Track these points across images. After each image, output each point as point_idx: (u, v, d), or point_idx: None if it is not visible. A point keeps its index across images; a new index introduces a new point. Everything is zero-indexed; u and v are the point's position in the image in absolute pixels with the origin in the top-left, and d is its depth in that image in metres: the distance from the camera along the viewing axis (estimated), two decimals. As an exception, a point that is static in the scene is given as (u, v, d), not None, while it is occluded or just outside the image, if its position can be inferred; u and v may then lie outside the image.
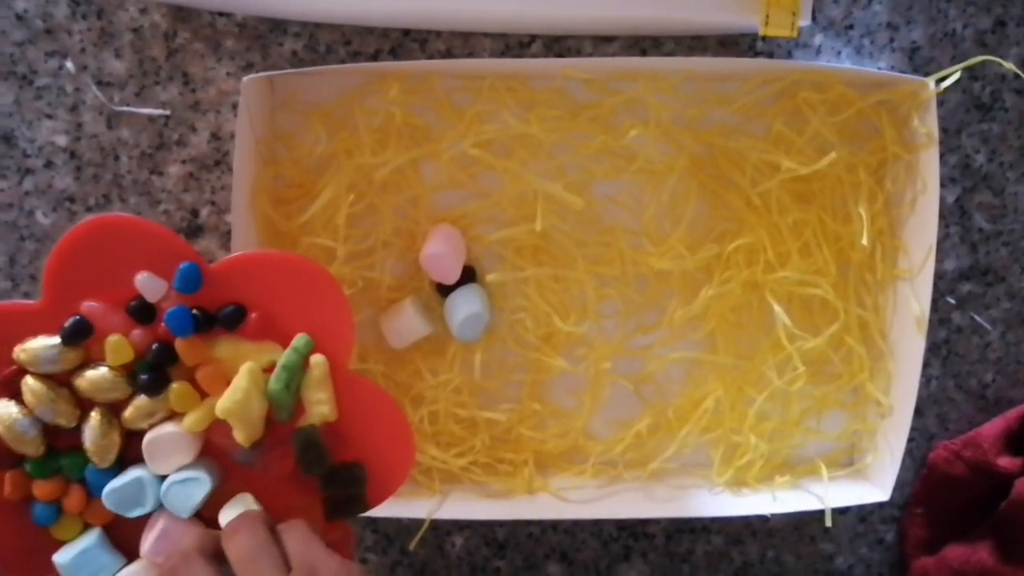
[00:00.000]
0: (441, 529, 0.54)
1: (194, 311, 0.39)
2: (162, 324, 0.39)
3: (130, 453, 0.40)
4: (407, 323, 0.49)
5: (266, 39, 0.49)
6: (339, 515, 0.42)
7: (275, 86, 0.49)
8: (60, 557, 0.40)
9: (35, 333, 0.39)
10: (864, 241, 0.49)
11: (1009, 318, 0.54)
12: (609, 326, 0.52)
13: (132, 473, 0.40)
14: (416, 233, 0.50)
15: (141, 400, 0.40)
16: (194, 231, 0.50)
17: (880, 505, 0.55)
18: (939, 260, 0.52)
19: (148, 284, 0.39)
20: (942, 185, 0.50)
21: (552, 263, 0.51)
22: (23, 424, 0.39)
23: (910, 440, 0.51)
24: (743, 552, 0.56)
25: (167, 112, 0.49)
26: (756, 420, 0.52)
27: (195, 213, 0.50)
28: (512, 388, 0.52)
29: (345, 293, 0.41)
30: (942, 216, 0.51)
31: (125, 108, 0.49)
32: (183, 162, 0.49)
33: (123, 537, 0.41)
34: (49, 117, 0.49)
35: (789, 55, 0.51)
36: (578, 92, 0.50)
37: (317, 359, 0.40)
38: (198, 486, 0.40)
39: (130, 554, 0.41)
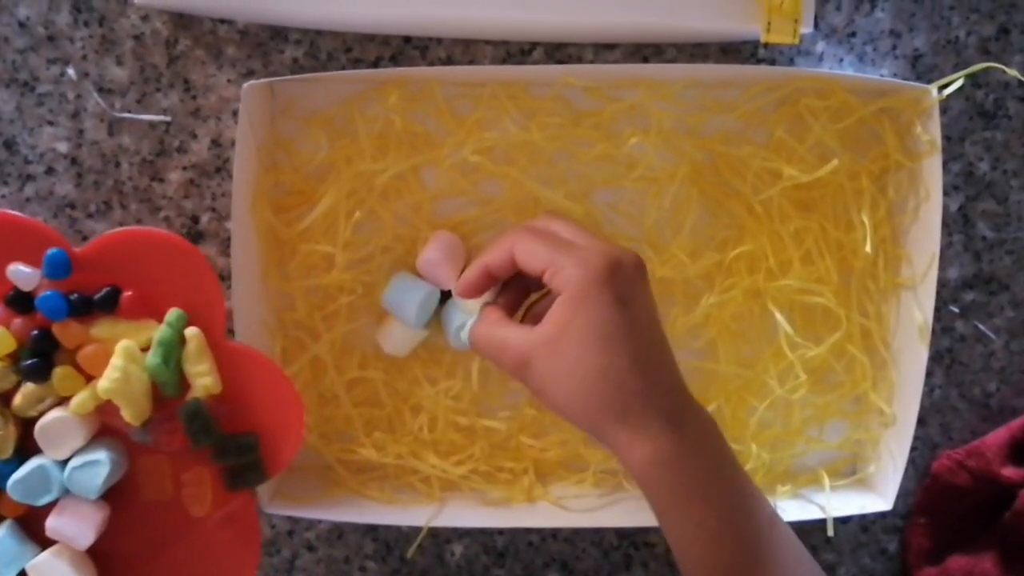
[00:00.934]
0: (440, 537, 0.54)
1: (71, 296, 0.41)
2: (39, 311, 0.40)
3: (30, 443, 0.41)
4: (398, 331, 0.49)
5: (267, 46, 0.49)
6: (238, 485, 0.44)
7: (276, 93, 0.49)
8: None
9: None
10: (868, 249, 0.49)
11: (1013, 327, 0.54)
12: (610, 334, 0.52)
13: (33, 462, 0.41)
14: (417, 239, 0.50)
15: (28, 387, 0.41)
16: (195, 237, 0.50)
17: (883, 515, 0.54)
18: (942, 268, 0.52)
19: (19, 274, 0.41)
20: (945, 193, 0.50)
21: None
22: None
23: (913, 449, 0.50)
24: (745, 561, 0.56)
25: (168, 119, 0.49)
26: (758, 429, 0.52)
27: (195, 220, 0.50)
28: (511, 396, 0.52)
29: (212, 267, 0.43)
30: (945, 224, 0.51)
31: (126, 115, 0.49)
32: (184, 169, 0.49)
33: (37, 526, 0.42)
34: (50, 124, 0.49)
35: (791, 62, 0.51)
36: (579, 99, 0.50)
37: (191, 331, 0.41)
38: (99, 467, 0.40)
39: (44, 542, 0.42)
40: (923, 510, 0.55)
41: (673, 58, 0.50)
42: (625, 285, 0.39)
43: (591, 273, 0.39)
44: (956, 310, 0.54)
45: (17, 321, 0.41)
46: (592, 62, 0.50)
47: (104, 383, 0.40)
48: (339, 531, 0.53)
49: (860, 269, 0.51)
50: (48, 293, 0.40)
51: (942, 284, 0.52)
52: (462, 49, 0.50)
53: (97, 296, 0.41)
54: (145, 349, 0.41)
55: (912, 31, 0.51)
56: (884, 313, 0.52)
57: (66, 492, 0.41)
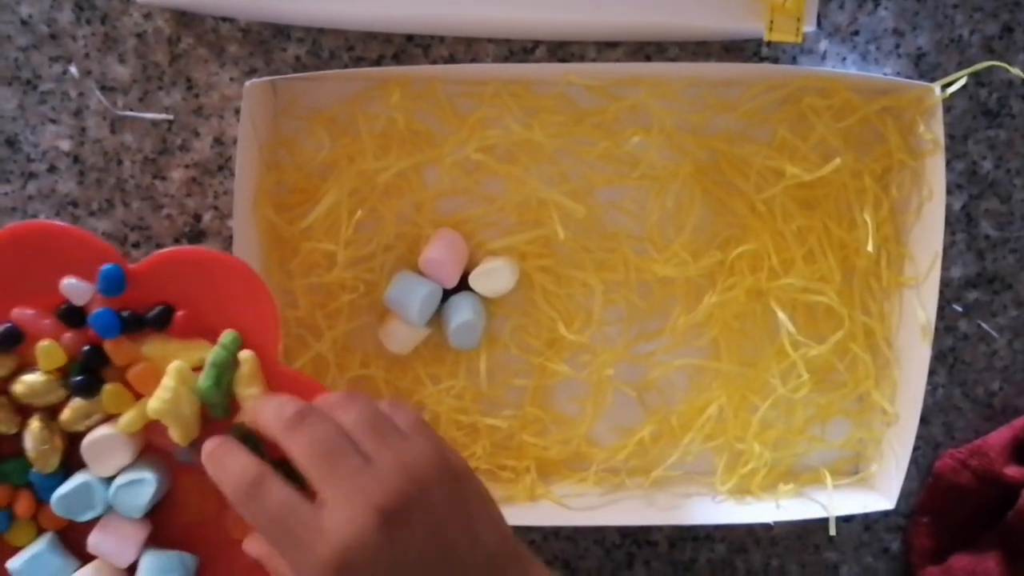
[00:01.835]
0: (443, 536, 0.54)
1: (123, 313, 0.40)
2: (91, 327, 0.40)
3: (75, 457, 0.40)
4: (400, 329, 0.49)
5: (269, 44, 0.49)
6: None
7: (278, 91, 0.49)
8: (13, 563, 0.40)
9: None
10: (870, 248, 0.49)
11: (1016, 326, 0.54)
12: (612, 332, 0.52)
13: (78, 478, 0.40)
14: (419, 238, 0.50)
15: (77, 402, 0.40)
16: (197, 236, 0.50)
17: (885, 514, 0.54)
18: (945, 267, 0.52)
19: (73, 288, 0.40)
20: (948, 192, 0.50)
21: (555, 269, 0.51)
22: None
23: (915, 448, 0.50)
24: (746, 560, 0.56)
25: (170, 117, 0.49)
26: (760, 428, 0.52)
27: (198, 218, 0.50)
28: (514, 394, 0.52)
29: (271, 290, 0.41)
30: (948, 223, 0.51)
31: (128, 113, 0.49)
32: (186, 167, 0.49)
33: (78, 540, 0.41)
34: (53, 122, 0.49)
35: (794, 61, 0.51)
36: (581, 98, 0.50)
37: (245, 355, 0.40)
38: (145, 486, 0.40)
39: (85, 557, 0.41)
40: (926, 509, 0.55)
41: (676, 57, 0.50)
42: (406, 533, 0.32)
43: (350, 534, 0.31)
44: (959, 309, 0.54)
45: (68, 335, 0.40)
46: (595, 60, 0.50)
47: (154, 403, 0.39)
48: (341, 529, 0.53)
49: (863, 268, 0.51)
50: (102, 311, 0.40)
51: (945, 283, 0.52)
52: (464, 47, 0.50)
53: (150, 314, 0.40)
54: (195, 369, 0.41)
55: (915, 30, 0.51)
56: (887, 312, 0.52)
57: (109, 509, 0.40)
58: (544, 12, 0.45)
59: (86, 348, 0.40)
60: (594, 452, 0.52)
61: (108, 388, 0.40)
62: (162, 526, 0.42)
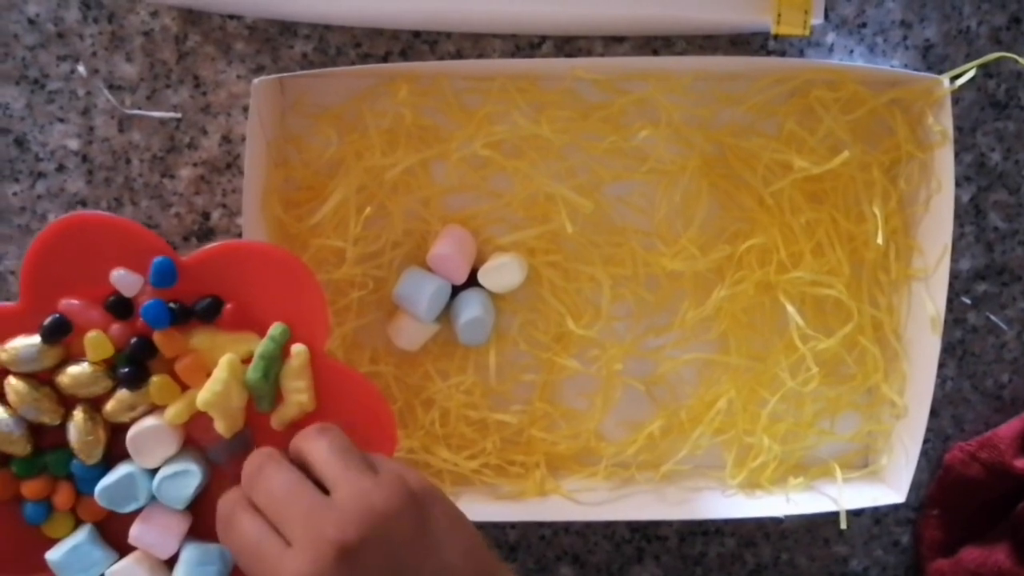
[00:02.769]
0: (453, 531, 0.54)
1: (171, 304, 0.40)
2: (139, 318, 0.40)
3: (116, 448, 0.41)
4: (409, 325, 0.49)
5: (276, 41, 0.49)
6: None
7: (285, 88, 0.49)
8: (52, 555, 0.40)
9: (15, 333, 0.39)
10: (879, 240, 0.48)
11: (1025, 318, 0.54)
12: (620, 327, 0.52)
13: (122, 469, 0.40)
14: (427, 234, 0.50)
15: (122, 394, 0.40)
16: (205, 234, 0.50)
17: (895, 507, 0.54)
18: (954, 260, 0.52)
19: (124, 280, 0.40)
20: (957, 184, 0.50)
21: (564, 264, 0.51)
22: (8, 424, 0.39)
23: (925, 441, 0.50)
24: (756, 554, 0.56)
25: (178, 115, 0.49)
26: (769, 422, 0.52)
27: (206, 216, 0.50)
28: (523, 389, 0.52)
29: (319, 282, 0.41)
30: (957, 215, 0.51)
31: (136, 111, 0.49)
32: (194, 165, 0.50)
33: (116, 532, 0.41)
34: (61, 121, 0.49)
35: (801, 54, 0.51)
36: (588, 93, 0.50)
37: (298, 348, 0.40)
38: (190, 478, 0.40)
39: (123, 549, 0.41)
40: (936, 502, 0.55)
41: (683, 51, 0.50)
42: None
43: None
44: (968, 301, 0.53)
45: (116, 326, 0.40)
46: (602, 55, 0.50)
47: (204, 395, 0.39)
48: (351, 526, 0.53)
49: (871, 261, 0.51)
50: (153, 301, 0.40)
51: (954, 275, 0.52)
52: (471, 43, 0.50)
53: (198, 306, 0.40)
54: (244, 362, 0.41)
55: (923, 21, 0.51)
56: (895, 305, 0.52)
57: (151, 500, 0.41)
58: (550, 7, 0.45)
59: (134, 339, 0.40)
60: (603, 447, 0.52)
61: (156, 379, 0.40)
62: (201, 520, 0.42)
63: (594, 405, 0.52)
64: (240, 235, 0.48)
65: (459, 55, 0.50)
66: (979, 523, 0.54)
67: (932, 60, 0.51)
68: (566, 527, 0.55)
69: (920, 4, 0.51)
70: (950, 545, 0.54)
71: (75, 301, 0.40)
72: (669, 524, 0.55)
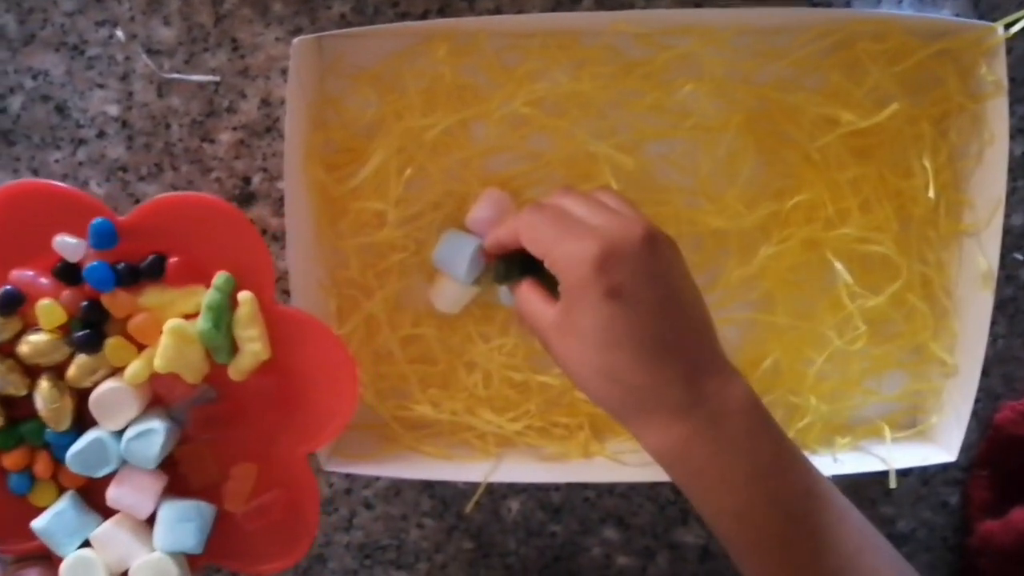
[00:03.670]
0: (496, 493, 0.54)
1: (118, 265, 0.41)
2: (87, 282, 0.40)
3: (85, 414, 0.41)
4: (449, 288, 0.49)
5: (313, 2, 0.48)
6: None
7: (324, 49, 0.49)
8: (37, 523, 0.41)
9: None
10: (931, 194, 0.47)
11: (1079, 274, 0.52)
12: (663, 287, 0.51)
13: (91, 435, 0.41)
14: (467, 195, 0.49)
15: (81, 359, 0.41)
16: (246, 198, 0.50)
17: (943, 467, 0.53)
18: (1006, 215, 0.50)
19: (66, 245, 0.40)
20: (1011, 136, 0.48)
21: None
22: None
23: (975, 400, 0.49)
24: (801, 516, 0.55)
25: (217, 79, 0.49)
26: (815, 381, 0.51)
27: (247, 180, 0.50)
28: (566, 351, 0.52)
29: (257, 229, 0.42)
30: (1010, 169, 0.49)
31: (175, 75, 0.49)
32: (234, 129, 0.49)
33: (99, 497, 0.42)
34: (100, 87, 0.49)
35: (847, 4, 0.50)
36: (630, 49, 0.49)
37: (244, 295, 0.41)
38: (154, 436, 0.40)
39: (106, 513, 0.42)
40: (985, 462, 0.54)
41: (726, 3, 0.49)
42: (618, 275, 0.37)
43: (579, 268, 0.38)
44: (1021, 257, 0.52)
45: (66, 293, 0.41)
46: (643, 8, 0.49)
47: (159, 361, 0.40)
48: (396, 489, 0.53)
49: (920, 217, 0.50)
50: (95, 264, 0.40)
51: (1006, 231, 0.50)
52: None
53: (143, 264, 0.41)
54: (196, 315, 0.41)
55: (974, -32, 0.49)
56: (945, 261, 0.51)
57: (124, 463, 0.41)
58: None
59: (84, 303, 0.41)
60: (647, 408, 0.52)
61: (110, 341, 0.41)
62: (175, 478, 0.43)
63: (637, 366, 0.52)
64: (281, 199, 0.48)
65: (498, 11, 0.49)
66: (1030, 483, 0.53)
67: (984, 8, 0.50)
68: (610, 489, 0.54)
69: (971, -50, 0.49)
70: (1000, 506, 0.54)
71: (25, 272, 0.41)
72: (713, 486, 0.55)
